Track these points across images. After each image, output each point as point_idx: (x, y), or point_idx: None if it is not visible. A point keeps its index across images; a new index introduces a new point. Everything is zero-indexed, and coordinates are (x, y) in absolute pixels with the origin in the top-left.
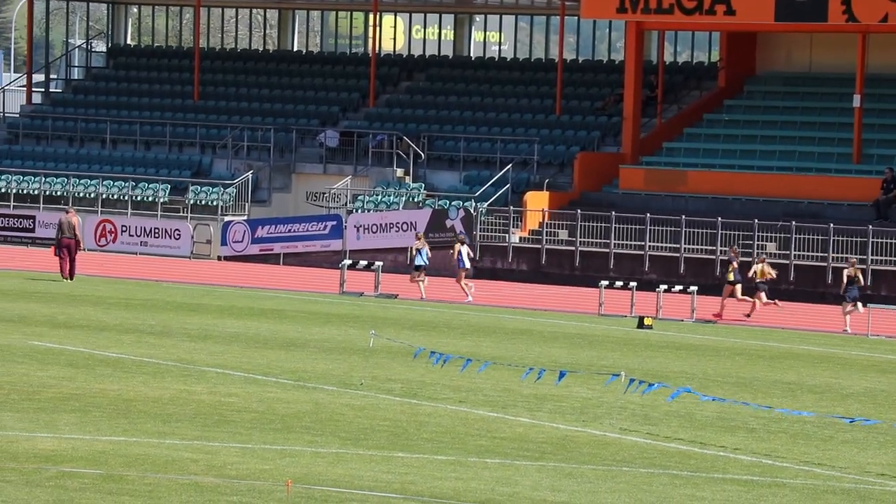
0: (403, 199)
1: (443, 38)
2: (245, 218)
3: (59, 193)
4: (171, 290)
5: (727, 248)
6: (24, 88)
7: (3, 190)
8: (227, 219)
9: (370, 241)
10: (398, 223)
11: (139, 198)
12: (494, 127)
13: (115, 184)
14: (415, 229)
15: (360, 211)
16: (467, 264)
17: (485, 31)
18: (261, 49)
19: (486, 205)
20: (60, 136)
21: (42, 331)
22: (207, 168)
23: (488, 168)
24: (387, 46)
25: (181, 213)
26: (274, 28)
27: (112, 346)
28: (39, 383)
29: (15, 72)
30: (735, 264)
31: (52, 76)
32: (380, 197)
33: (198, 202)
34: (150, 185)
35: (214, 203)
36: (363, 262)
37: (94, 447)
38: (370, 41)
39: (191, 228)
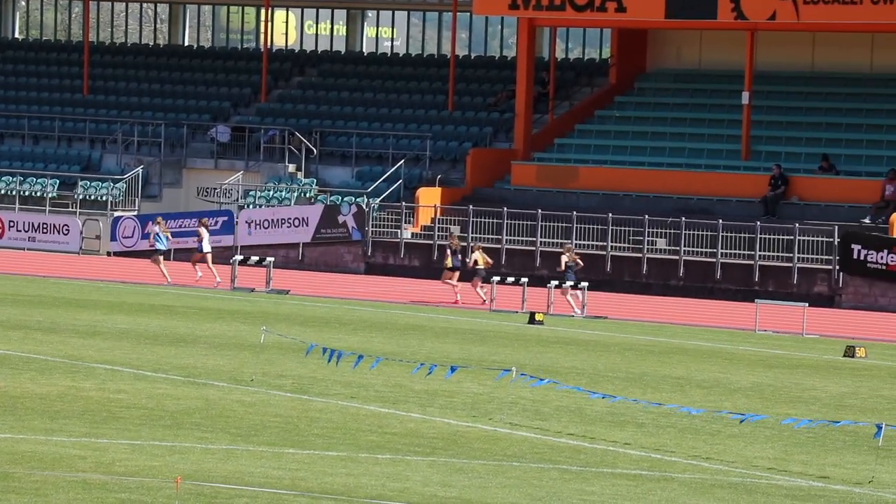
0: (295, 194)
1: (335, 33)
2: (135, 213)
3: None
4: (60, 285)
5: (448, 237)
6: None
7: None
8: (116, 214)
9: (262, 236)
10: (290, 219)
11: (27, 193)
12: (387, 123)
13: (3, 179)
14: (306, 225)
15: (251, 206)
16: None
17: (377, 27)
18: (151, 44)
19: (378, 201)
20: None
21: None
22: (97, 163)
23: (381, 164)
24: (279, 41)
25: (70, 209)
26: (165, 22)
27: None
28: None
29: None
30: (450, 251)
31: None
32: (271, 192)
33: (87, 197)
34: (39, 181)
35: (104, 198)
36: (255, 258)
37: None
38: (262, 36)
39: (80, 224)
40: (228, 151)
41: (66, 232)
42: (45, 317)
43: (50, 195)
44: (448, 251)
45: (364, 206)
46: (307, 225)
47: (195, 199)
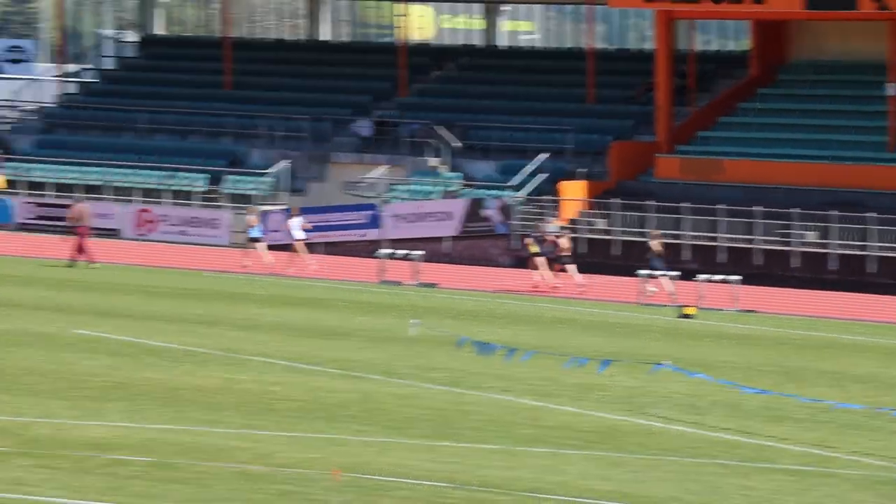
0: (440, 188)
1: (473, 27)
2: (282, 207)
3: (96, 183)
4: (216, 279)
5: (537, 227)
6: (59, 79)
7: (41, 180)
8: (264, 208)
9: (406, 230)
10: (435, 213)
11: (177, 187)
12: (527, 116)
13: (154, 173)
14: (450, 219)
15: (396, 201)
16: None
17: (515, 21)
18: (292, 39)
19: (522, 195)
20: (96, 125)
21: (86, 320)
22: (243, 158)
23: (523, 157)
24: (416, 36)
25: (219, 203)
26: (303, 18)
27: (157, 335)
28: (86, 372)
29: (51, 62)
30: (534, 239)
31: (86, 66)
32: (415, 186)
33: (235, 192)
34: (188, 175)
35: (251, 192)
36: (401, 252)
37: (142, 435)
38: (400, 30)
39: (229, 218)
40: (372, 146)
41: (215, 225)
42: (202, 310)
43: (199, 190)
44: (532, 239)
45: (508, 201)
46: (452, 219)
47: (340, 193)
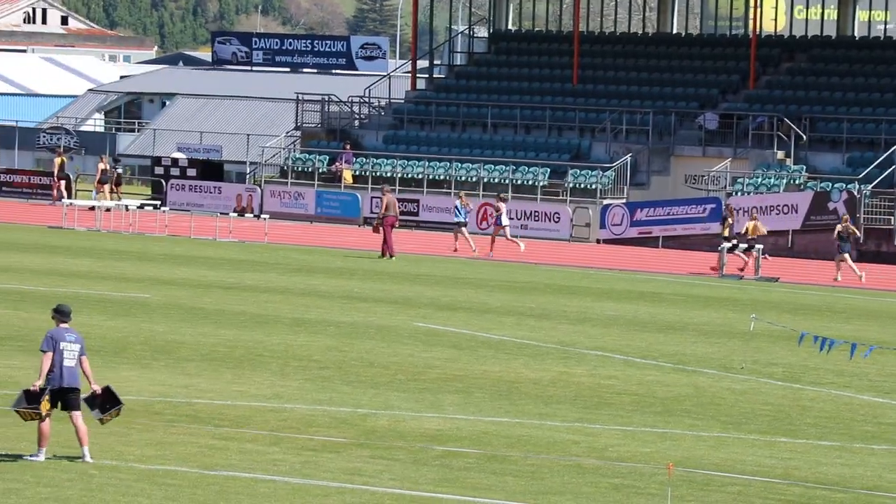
0: (784, 181)
1: (826, 17)
2: (624, 201)
3: (441, 178)
4: (551, 272)
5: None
6: (409, 75)
7: (388, 174)
8: (605, 202)
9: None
10: (778, 206)
11: (519, 181)
12: (879, 108)
13: (496, 168)
14: (795, 212)
15: (739, 194)
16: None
17: (870, 10)
18: (640, 32)
19: (870, 187)
20: (443, 121)
21: (426, 312)
22: (586, 152)
23: (872, 149)
24: (768, 27)
25: (560, 197)
26: (653, 11)
27: (493, 328)
28: (424, 364)
29: (400, 58)
30: (730, 221)
31: (435, 62)
32: (759, 180)
33: (577, 186)
34: (530, 169)
35: (593, 186)
36: (743, 246)
37: (477, 427)
38: (751, 22)
39: (570, 212)
40: (716, 138)
41: (556, 220)
42: (537, 303)
43: (541, 184)
44: (728, 222)
45: (856, 193)
46: (796, 212)
47: (683, 187)
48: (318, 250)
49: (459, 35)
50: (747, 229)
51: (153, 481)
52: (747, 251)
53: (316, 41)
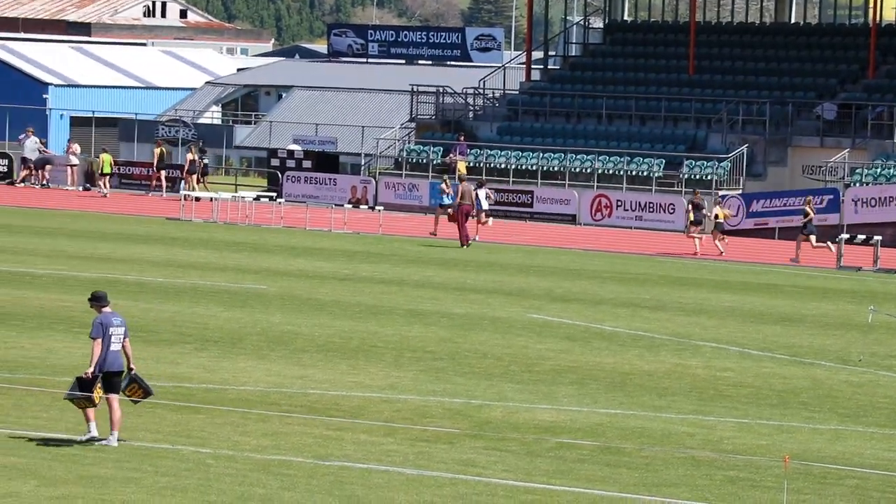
0: None
1: None
2: (740, 192)
3: (555, 169)
4: (665, 264)
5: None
6: (524, 66)
7: (502, 166)
8: (721, 193)
9: (869, 215)
10: None
11: (634, 173)
12: None
13: (611, 159)
14: None
15: (857, 184)
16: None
17: None
18: (757, 22)
19: None
20: (558, 112)
21: (540, 304)
22: (702, 142)
23: None
24: (888, 16)
25: (675, 188)
26: (771, 0)
27: (607, 320)
28: (538, 355)
29: (515, 50)
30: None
31: (550, 53)
32: (879, 170)
33: (692, 177)
34: (645, 160)
35: (709, 177)
36: (861, 237)
37: (591, 419)
38: (871, 11)
39: (685, 203)
40: (834, 129)
41: (671, 211)
42: (651, 294)
43: (656, 175)
44: (691, 207)
45: None
46: None
47: (800, 178)
48: (434, 241)
49: (575, 26)
50: (716, 215)
51: (269, 471)
52: (716, 232)
53: (431, 33)
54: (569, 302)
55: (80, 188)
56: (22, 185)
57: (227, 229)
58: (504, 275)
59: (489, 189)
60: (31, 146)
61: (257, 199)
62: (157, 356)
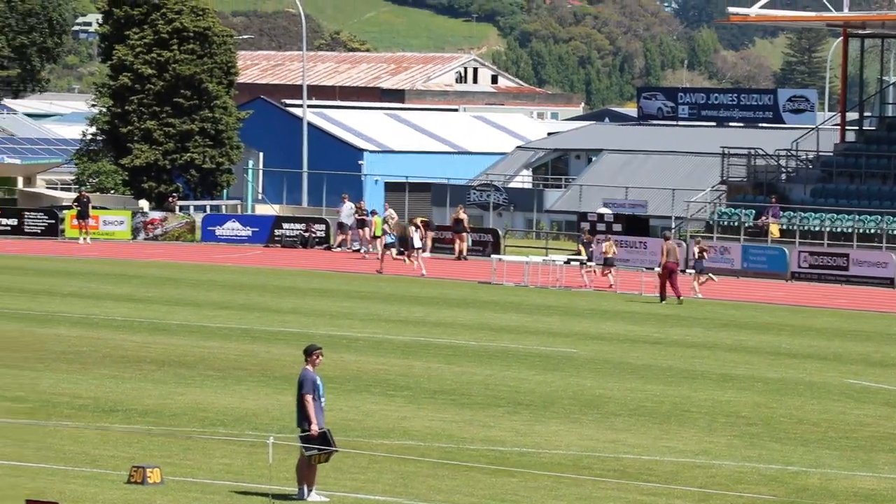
0: None
1: None
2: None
3: (872, 231)
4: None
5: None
6: (838, 127)
7: (816, 228)
8: None
9: None
10: None
11: None
12: None
13: None
14: None
15: None
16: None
17: None
18: None
19: None
20: (874, 173)
21: (858, 369)
22: None
23: None
24: None
25: None
26: None
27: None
28: (856, 421)
29: (829, 110)
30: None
31: (865, 114)
32: None
33: None
34: None
35: None
36: (591, 264)
37: None
38: None
39: None
40: None
41: None
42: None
43: None
44: (582, 244)
45: None
46: None
47: None
48: (746, 305)
49: (891, 86)
50: (605, 250)
51: None
52: (605, 267)
53: (742, 95)
54: (888, 367)
55: (395, 253)
56: (338, 249)
57: (538, 293)
58: (819, 339)
59: (421, 221)
60: (347, 211)
61: (567, 262)
62: (471, 419)
